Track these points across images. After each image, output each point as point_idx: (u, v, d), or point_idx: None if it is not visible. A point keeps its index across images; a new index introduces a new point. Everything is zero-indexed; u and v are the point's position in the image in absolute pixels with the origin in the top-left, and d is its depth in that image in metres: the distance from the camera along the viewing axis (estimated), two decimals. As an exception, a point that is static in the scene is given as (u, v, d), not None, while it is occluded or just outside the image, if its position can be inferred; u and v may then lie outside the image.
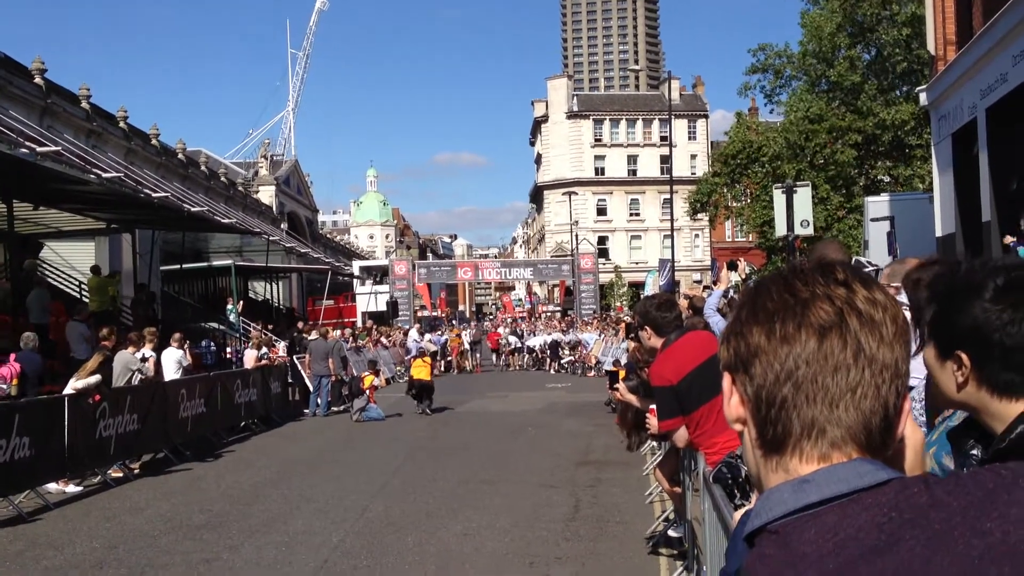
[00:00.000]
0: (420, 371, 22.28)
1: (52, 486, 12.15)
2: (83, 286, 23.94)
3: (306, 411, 22.37)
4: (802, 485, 1.11)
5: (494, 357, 42.56)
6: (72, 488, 12.42)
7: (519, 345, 41.88)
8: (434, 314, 53.62)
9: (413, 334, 37.60)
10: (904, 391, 1.17)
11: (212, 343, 23.99)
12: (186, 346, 18.01)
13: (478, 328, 46.02)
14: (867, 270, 4.90)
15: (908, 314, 3.36)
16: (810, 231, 17.03)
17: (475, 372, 39.58)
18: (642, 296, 49.33)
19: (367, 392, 20.91)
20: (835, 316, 1.14)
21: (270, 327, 29.12)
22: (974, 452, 1.97)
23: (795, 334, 1.14)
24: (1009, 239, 11.73)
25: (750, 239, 50.95)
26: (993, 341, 1.79)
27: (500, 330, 46.09)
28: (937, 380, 1.93)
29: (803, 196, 17.12)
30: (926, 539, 1.03)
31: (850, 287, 1.17)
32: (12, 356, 14.32)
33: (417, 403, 21.83)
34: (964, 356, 1.84)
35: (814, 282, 1.18)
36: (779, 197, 17.36)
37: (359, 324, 42.42)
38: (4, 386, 13.69)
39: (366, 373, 22.27)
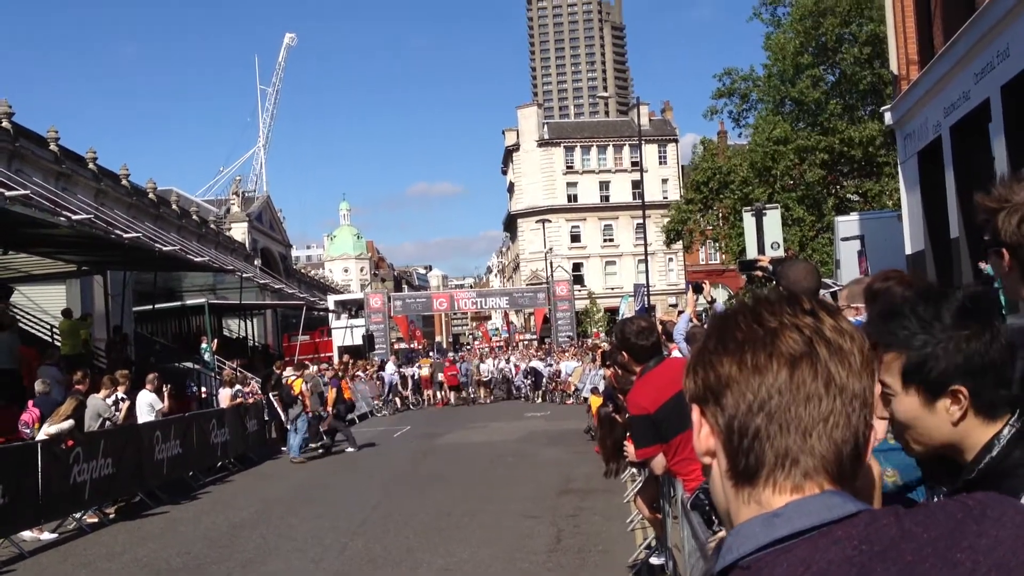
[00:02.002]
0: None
1: (27, 534, 11.96)
2: (54, 330, 23.72)
3: (283, 449, 22.16)
4: (772, 519, 1.11)
5: (452, 394, 38.35)
6: (47, 535, 12.24)
7: (490, 376, 39.83)
8: (411, 346, 53.48)
9: (389, 367, 37.46)
10: (871, 421, 1.17)
11: (194, 385, 23.80)
12: (166, 389, 17.66)
13: (439, 358, 42.29)
14: (831, 291, 4.94)
15: None
16: (780, 253, 17.12)
17: (437, 406, 36.93)
18: (618, 320, 49.29)
19: (300, 396, 20.70)
20: (805, 346, 1.14)
21: (243, 363, 28.93)
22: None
23: (767, 364, 1.14)
24: (983, 265, 11.87)
25: (723, 261, 51.13)
26: (984, 364, 1.79)
27: (481, 364, 41.23)
28: (923, 426, 1.87)
29: (772, 218, 17.23)
30: (897, 571, 1.03)
31: (817, 316, 1.17)
32: (31, 402, 14.32)
33: (334, 432, 21.83)
34: (963, 389, 1.81)
35: (782, 312, 1.18)
36: (749, 220, 17.46)
37: (335, 359, 42.24)
38: (28, 430, 13.73)
39: (293, 377, 21.79)
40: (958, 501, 1.11)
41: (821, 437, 1.13)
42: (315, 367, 27.91)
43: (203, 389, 24.52)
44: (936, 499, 1.80)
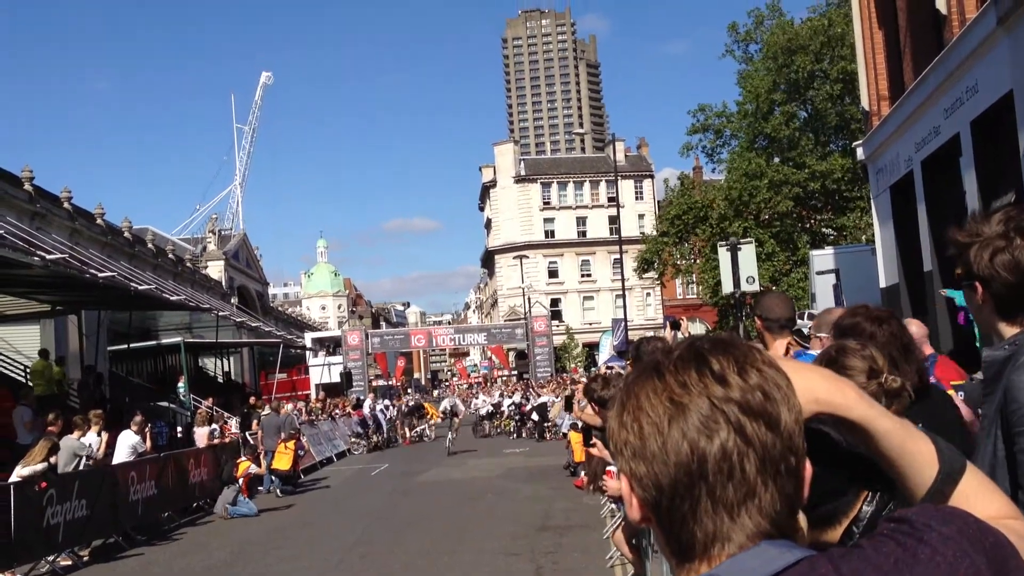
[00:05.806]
0: (281, 460, 20.96)
1: (-2, 578, 11.80)
2: (28, 370, 23.50)
3: (260, 488, 21.90)
4: None
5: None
6: (19, 579, 12.07)
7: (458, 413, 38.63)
8: (389, 383, 53.29)
9: (369, 403, 36.99)
10: (802, 465, 1.12)
11: (164, 424, 23.57)
12: (148, 430, 17.39)
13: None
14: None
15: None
16: (756, 287, 17.25)
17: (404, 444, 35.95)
18: (598, 358, 49.37)
19: (240, 481, 18.10)
20: (720, 420, 1.09)
21: (218, 402, 28.73)
22: None
23: (680, 445, 1.09)
24: (943, 292, 12.16)
25: (699, 297, 51.48)
26: None
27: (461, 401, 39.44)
28: None
29: (747, 253, 17.37)
30: None
31: (725, 381, 1.11)
32: None
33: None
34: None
35: (690, 381, 1.12)
36: (724, 254, 17.59)
37: (313, 396, 42.01)
38: None
39: (242, 459, 19.05)
40: (892, 539, 1.08)
41: (751, 513, 1.09)
42: (291, 405, 27.70)
43: (179, 428, 24.32)
44: None
